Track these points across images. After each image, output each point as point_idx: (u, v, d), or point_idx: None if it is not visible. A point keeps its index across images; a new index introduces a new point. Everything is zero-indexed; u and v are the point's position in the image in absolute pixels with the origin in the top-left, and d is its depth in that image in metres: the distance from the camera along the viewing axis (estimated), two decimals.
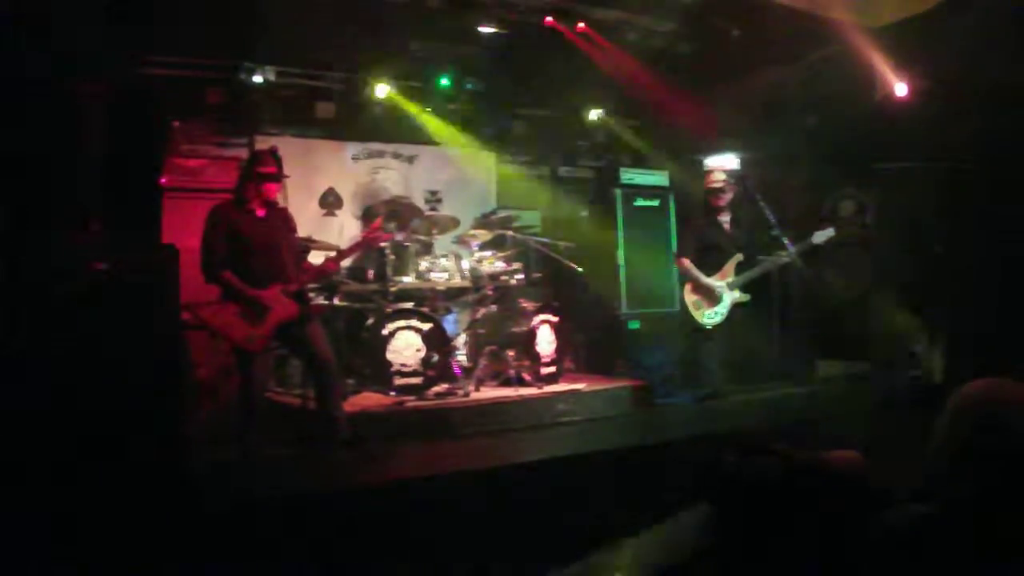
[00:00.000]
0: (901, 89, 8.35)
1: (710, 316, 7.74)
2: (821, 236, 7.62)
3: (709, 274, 7.78)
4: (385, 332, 7.27)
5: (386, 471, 5.69)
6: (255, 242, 5.86)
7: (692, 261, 7.85)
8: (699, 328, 7.78)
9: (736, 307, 7.78)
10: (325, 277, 6.89)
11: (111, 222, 5.65)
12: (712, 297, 7.75)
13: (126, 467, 4.61)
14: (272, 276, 5.87)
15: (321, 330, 6.15)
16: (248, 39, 7.64)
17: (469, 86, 9.24)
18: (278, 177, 6.02)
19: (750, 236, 7.88)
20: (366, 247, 6.92)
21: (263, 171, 5.94)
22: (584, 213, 9.85)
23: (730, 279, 7.79)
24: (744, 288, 7.79)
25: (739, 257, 7.81)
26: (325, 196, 8.90)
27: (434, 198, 9.53)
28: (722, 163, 8.12)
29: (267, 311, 5.77)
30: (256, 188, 5.94)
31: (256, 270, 5.82)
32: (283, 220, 6.19)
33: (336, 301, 7.41)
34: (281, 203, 6.28)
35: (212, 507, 4.60)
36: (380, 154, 9.32)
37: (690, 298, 7.81)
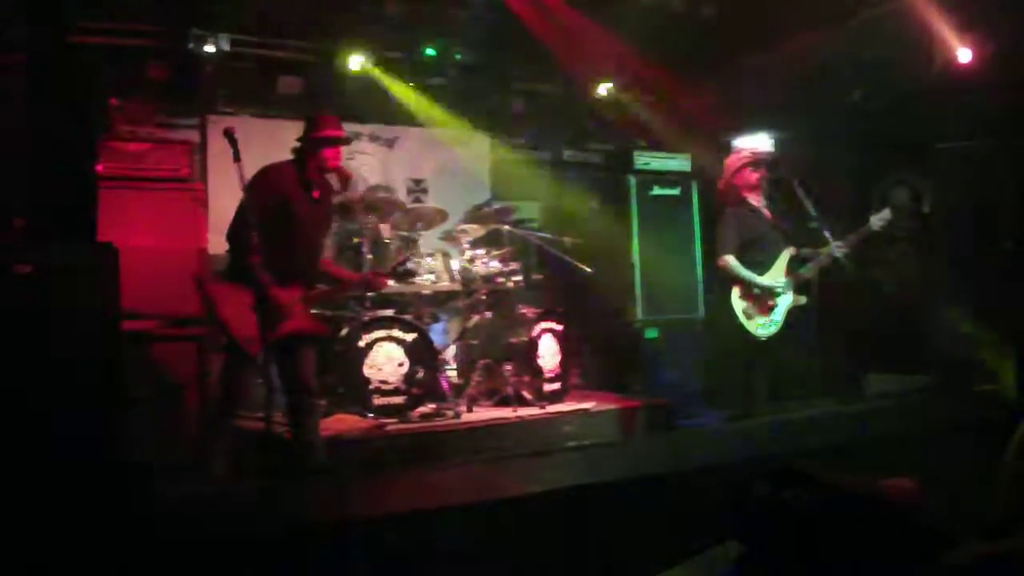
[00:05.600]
0: (964, 55, 8.31)
1: (765, 326, 7.47)
2: (879, 220, 7.46)
3: (759, 274, 7.50)
4: (362, 344, 7.25)
5: (363, 505, 5.64)
6: (298, 231, 5.78)
7: (737, 259, 7.54)
8: (753, 341, 7.51)
9: (792, 312, 7.59)
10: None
11: (36, 218, 5.60)
12: (766, 302, 7.49)
13: (54, 498, 4.57)
14: (299, 276, 5.82)
15: (313, 355, 6.08)
16: (198, 2, 7.62)
17: (458, 57, 9.22)
18: (344, 140, 6.01)
19: (792, 225, 7.75)
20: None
21: (326, 135, 5.91)
22: (593, 204, 9.83)
23: (783, 279, 7.59)
24: (801, 288, 7.62)
25: (791, 251, 7.64)
26: None
27: (418, 188, 9.51)
28: (754, 144, 8.06)
29: (282, 318, 5.65)
30: (318, 160, 5.90)
31: (286, 263, 5.68)
32: (329, 212, 6.19)
33: None
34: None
35: (161, 547, 4.55)
36: (355, 136, 9.26)
37: (739, 305, 7.47)
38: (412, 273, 7.60)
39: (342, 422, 7.06)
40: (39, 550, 4.18)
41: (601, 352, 9.34)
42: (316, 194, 5.96)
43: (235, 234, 5.68)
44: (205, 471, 5.71)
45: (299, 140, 6.04)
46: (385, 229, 7.90)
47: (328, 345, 7.45)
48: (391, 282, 7.72)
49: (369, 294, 7.52)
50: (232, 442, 5.87)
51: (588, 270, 8.41)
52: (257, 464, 6.35)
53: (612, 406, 7.93)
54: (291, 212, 5.75)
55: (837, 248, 7.44)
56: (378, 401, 7.20)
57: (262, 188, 5.66)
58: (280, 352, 5.85)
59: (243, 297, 5.53)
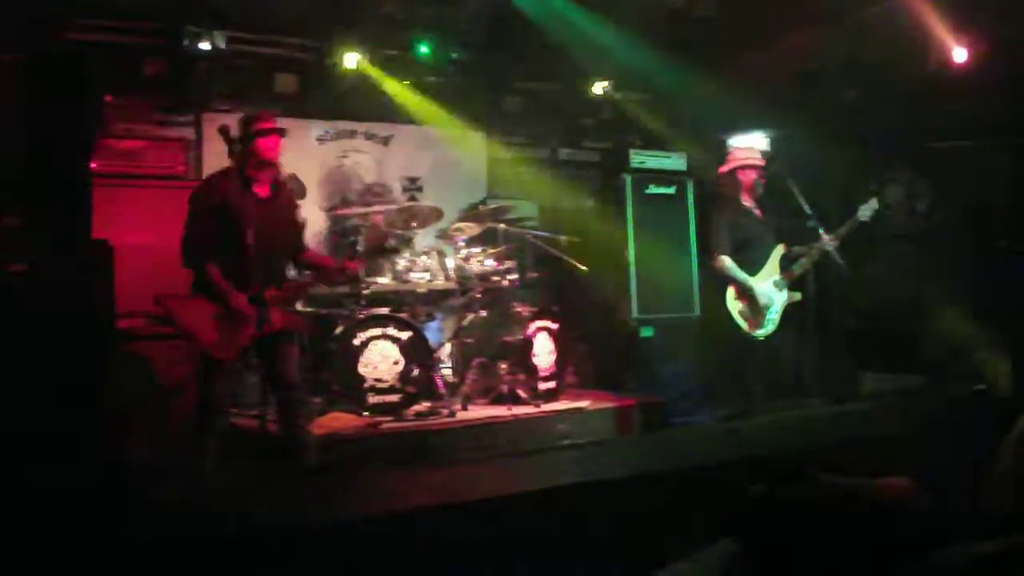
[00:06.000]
0: (960, 55, 8.31)
1: (761, 325, 7.59)
2: (866, 211, 7.51)
3: (752, 273, 7.60)
4: (357, 342, 7.24)
5: (358, 504, 5.64)
6: (250, 232, 5.71)
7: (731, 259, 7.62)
8: (749, 341, 7.60)
9: (787, 309, 7.64)
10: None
11: (31, 215, 5.59)
12: (761, 301, 7.57)
13: (48, 502, 4.56)
14: (263, 276, 5.79)
15: (295, 351, 6.08)
16: None
17: (454, 55, 9.20)
18: (276, 132, 5.94)
19: (783, 222, 7.78)
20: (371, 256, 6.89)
21: (257, 128, 5.86)
22: (589, 203, 9.82)
23: (776, 277, 7.64)
24: (794, 285, 7.65)
25: (781, 249, 7.68)
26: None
27: (414, 186, 9.50)
28: (749, 143, 8.06)
29: (248, 320, 5.70)
30: (253, 151, 5.83)
31: (246, 266, 5.68)
32: (287, 207, 6.15)
33: (299, 306, 7.36)
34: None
35: (155, 547, 4.55)
36: (350, 134, 9.29)
37: (735, 306, 7.56)
38: (395, 250, 7.50)
39: (337, 420, 7.04)
40: (32, 550, 4.18)
41: (596, 351, 9.32)
42: (263, 193, 5.91)
43: (185, 247, 5.72)
44: (197, 471, 5.73)
45: (234, 141, 5.94)
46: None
47: (323, 343, 7.46)
48: (384, 280, 7.74)
49: (350, 281, 7.47)
50: (223, 442, 5.87)
51: (583, 268, 8.40)
52: (251, 464, 6.36)
53: (607, 405, 7.93)
54: (237, 216, 5.67)
55: (827, 242, 7.47)
56: (373, 399, 7.19)
57: (204, 198, 5.74)
58: (261, 352, 6.00)
59: (206, 305, 5.65)
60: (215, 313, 5.63)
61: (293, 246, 6.17)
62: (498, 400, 7.72)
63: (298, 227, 6.29)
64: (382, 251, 7.09)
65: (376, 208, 8.08)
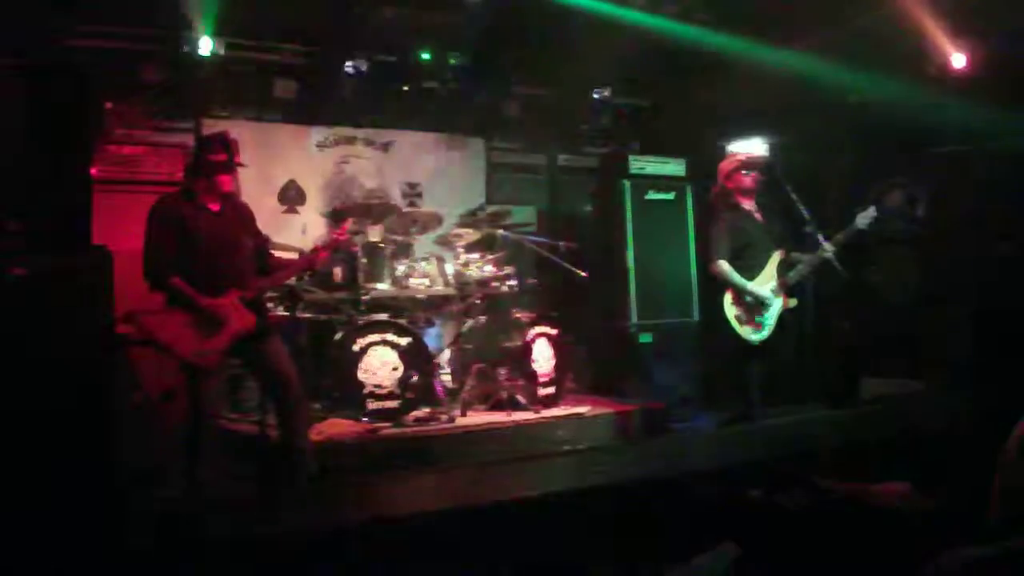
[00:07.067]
0: (959, 60, 8.31)
1: (758, 330, 7.48)
2: (864, 218, 7.43)
3: (750, 278, 7.50)
4: (356, 348, 7.25)
5: (357, 510, 5.63)
6: (208, 242, 5.79)
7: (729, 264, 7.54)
8: (746, 346, 7.52)
9: (784, 315, 7.62)
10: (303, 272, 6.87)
11: (32, 220, 5.59)
12: (759, 307, 7.50)
13: (46, 507, 4.55)
14: (228, 281, 5.81)
15: (282, 346, 6.10)
16: (192, 4, 7.58)
17: (453, 61, 9.19)
18: (231, 166, 5.94)
19: (782, 228, 7.76)
20: (333, 250, 6.84)
21: (213, 160, 5.86)
22: (587, 208, 9.82)
23: (773, 283, 7.62)
24: (791, 291, 7.62)
25: (779, 255, 7.65)
26: (285, 190, 8.86)
27: (413, 191, 9.50)
28: (748, 148, 8.03)
29: (222, 322, 5.70)
30: (207, 181, 5.87)
31: (209, 274, 5.74)
32: (241, 216, 6.14)
33: (299, 312, 7.35)
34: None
35: (151, 553, 4.54)
36: (350, 140, 9.29)
37: (733, 311, 7.46)
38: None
39: (336, 426, 7.03)
40: (28, 553, 4.18)
41: (596, 356, 9.32)
42: (215, 207, 5.93)
43: (148, 265, 5.73)
44: (192, 477, 5.75)
45: (191, 158, 6.16)
46: (379, 233, 7.89)
47: (322, 348, 7.46)
48: (384, 286, 7.74)
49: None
50: (217, 448, 5.89)
51: (583, 274, 8.39)
52: (250, 470, 6.35)
53: (607, 410, 7.93)
54: (193, 231, 5.76)
55: (826, 249, 7.44)
56: (372, 405, 7.20)
57: (158, 219, 5.77)
58: (247, 355, 6.05)
59: (178, 316, 5.66)
60: (189, 322, 5.64)
61: (255, 254, 6.15)
62: (497, 406, 7.72)
63: (259, 238, 6.27)
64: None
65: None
